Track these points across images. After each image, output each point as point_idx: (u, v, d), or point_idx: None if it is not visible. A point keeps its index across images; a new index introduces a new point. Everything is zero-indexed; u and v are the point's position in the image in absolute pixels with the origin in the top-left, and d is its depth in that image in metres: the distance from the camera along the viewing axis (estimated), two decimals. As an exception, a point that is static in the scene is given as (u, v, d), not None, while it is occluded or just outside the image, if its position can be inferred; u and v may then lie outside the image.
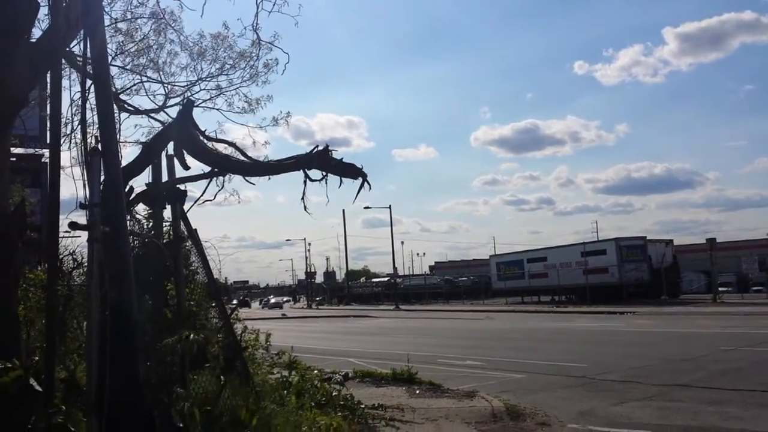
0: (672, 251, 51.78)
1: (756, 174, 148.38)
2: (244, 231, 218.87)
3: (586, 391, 11.70)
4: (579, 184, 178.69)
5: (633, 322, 29.85)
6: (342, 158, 6.16)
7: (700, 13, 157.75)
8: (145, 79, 12.09)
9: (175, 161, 6.44)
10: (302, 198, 6.60)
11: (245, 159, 6.83)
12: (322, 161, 6.12)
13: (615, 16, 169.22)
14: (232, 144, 7.17)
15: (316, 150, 6.21)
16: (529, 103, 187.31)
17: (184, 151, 6.51)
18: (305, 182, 6.35)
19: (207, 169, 6.83)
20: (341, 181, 6.25)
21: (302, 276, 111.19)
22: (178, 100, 12.14)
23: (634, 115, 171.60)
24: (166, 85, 12.26)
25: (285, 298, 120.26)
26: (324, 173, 6.27)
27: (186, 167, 6.69)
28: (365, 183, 6.24)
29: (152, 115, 11.59)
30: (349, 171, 6.19)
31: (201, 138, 6.69)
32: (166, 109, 12.05)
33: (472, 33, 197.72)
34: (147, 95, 12.28)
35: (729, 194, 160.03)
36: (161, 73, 12.16)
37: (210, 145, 6.83)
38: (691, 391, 11.11)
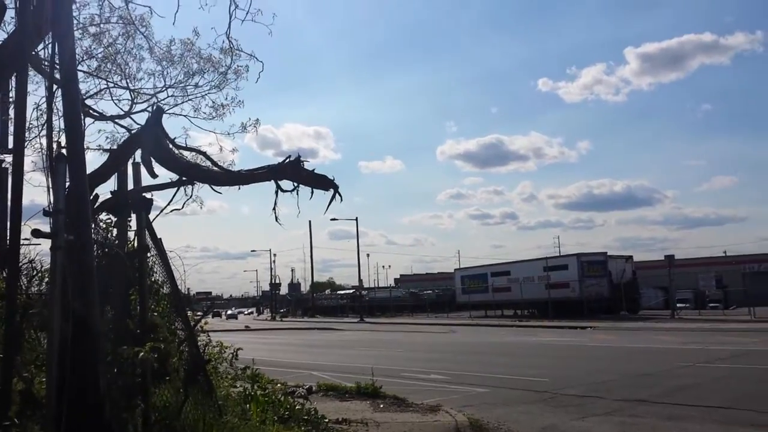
0: (632, 267, 52.71)
1: (713, 192, 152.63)
2: (207, 241, 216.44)
3: (548, 405, 11.78)
4: (542, 199, 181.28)
5: (593, 336, 30.24)
6: (314, 169, 6.13)
7: (661, 34, 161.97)
8: (111, 84, 11.89)
9: (142, 169, 6.33)
10: (274, 209, 6.53)
11: (216, 168, 6.74)
12: (294, 172, 6.08)
13: (578, 35, 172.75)
14: (202, 153, 7.07)
15: (288, 160, 6.17)
16: (494, 118, 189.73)
17: (152, 159, 6.40)
18: (277, 193, 6.29)
19: (174, 177, 6.73)
20: (312, 192, 6.21)
21: (267, 287, 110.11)
22: (144, 105, 11.98)
23: (596, 133, 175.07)
24: (132, 90, 12.07)
25: (248, 310, 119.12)
26: (295, 184, 6.21)
27: (154, 175, 6.57)
28: (337, 195, 6.21)
29: (117, 120, 11.38)
30: (321, 182, 6.15)
31: (170, 146, 6.58)
32: (132, 115, 11.87)
33: (439, 46, 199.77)
34: (113, 100, 12.09)
35: (687, 212, 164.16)
36: (128, 78, 11.97)
37: (179, 154, 6.72)
38: (650, 407, 11.26)
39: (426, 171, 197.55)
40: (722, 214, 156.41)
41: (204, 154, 6.93)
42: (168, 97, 12.24)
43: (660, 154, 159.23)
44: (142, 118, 12.86)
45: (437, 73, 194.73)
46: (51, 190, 4.33)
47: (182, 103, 12.34)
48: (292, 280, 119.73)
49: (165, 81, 12.18)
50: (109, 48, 11.56)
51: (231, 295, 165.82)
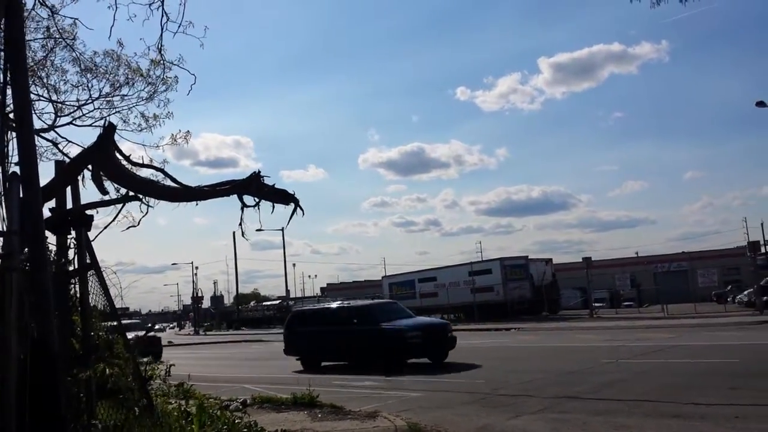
0: (551, 269, 54.61)
1: (625, 196, 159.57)
2: (122, 255, 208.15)
3: (483, 406, 12.10)
4: (463, 206, 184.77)
5: (519, 338, 31.11)
6: (274, 184, 6.20)
7: (572, 44, 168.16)
8: (34, 97, 11.48)
9: (89, 185, 6.21)
10: (240, 224, 6.54)
11: (174, 184, 6.66)
12: (257, 187, 6.13)
13: (494, 45, 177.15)
14: (160, 169, 6.97)
15: (252, 175, 6.21)
16: (415, 127, 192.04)
17: (102, 176, 6.29)
18: (242, 209, 6.30)
19: (122, 191, 6.62)
20: (273, 207, 6.28)
21: (188, 301, 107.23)
22: (68, 119, 11.61)
23: (513, 140, 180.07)
24: (55, 103, 11.69)
25: (170, 325, 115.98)
26: (257, 199, 6.27)
27: (104, 192, 6.45)
28: (297, 208, 6.31)
29: (42, 134, 11.00)
30: (282, 197, 6.24)
31: (123, 162, 6.48)
32: (56, 128, 11.50)
33: (357, 55, 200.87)
34: (35, 113, 11.67)
35: (600, 216, 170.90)
36: (50, 91, 11.59)
37: (132, 170, 6.61)
38: (579, 403, 11.74)
39: (349, 179, 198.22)
40: (634, 216, 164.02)
41: (162, 170, 6.85)
42: (94, 109, 11.94)
43: (574, 160, 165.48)
44: (66, 132, 12.52)
45: (357, 82, 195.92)
46: (5, 209, 4.21)
47: (108, 115, 12.04)
48: (215, 292, 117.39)
49: (90, 93, 11.87)
50: (33, 61, 11.16)
51: (150, 311, 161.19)
